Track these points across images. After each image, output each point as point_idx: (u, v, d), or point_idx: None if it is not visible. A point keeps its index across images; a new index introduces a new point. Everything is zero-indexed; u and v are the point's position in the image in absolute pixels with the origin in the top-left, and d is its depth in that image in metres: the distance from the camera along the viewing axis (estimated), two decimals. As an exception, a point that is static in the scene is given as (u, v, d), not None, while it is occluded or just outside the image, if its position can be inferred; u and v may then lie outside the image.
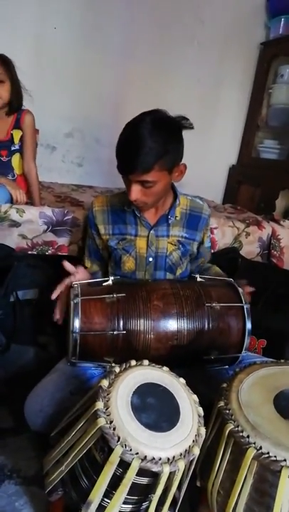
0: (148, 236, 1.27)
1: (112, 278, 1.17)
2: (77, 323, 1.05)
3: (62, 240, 1.63)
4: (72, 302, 1.07)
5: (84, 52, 2.50)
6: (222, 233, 1.83)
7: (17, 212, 1.52)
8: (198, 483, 0.93)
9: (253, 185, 2.79)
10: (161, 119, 1.11)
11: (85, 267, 1.38)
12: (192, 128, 1.14)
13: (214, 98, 2.88)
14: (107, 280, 1.17)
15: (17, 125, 1.71)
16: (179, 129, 1.14)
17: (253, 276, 1.74)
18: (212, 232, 1.77)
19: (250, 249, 1.92)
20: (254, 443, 0.79)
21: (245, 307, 1.13)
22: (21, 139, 1.73)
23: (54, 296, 1.19)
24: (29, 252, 1.59)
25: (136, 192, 1.14)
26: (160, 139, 1.08)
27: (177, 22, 2.65)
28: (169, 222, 1.28)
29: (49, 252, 1.63)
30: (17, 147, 1.73)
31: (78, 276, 1.21)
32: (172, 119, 1.14)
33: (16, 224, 1.53)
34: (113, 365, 1.09)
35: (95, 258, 1.39)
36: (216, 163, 2.91)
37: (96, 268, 1.40)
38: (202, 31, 2.72)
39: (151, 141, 1.07)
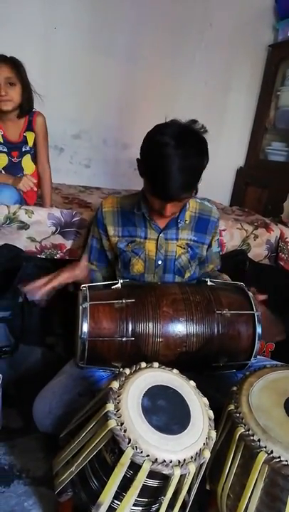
0: (157, 239, 1.27)
1: (121, 281, 1.16)
2: (85, 328, 1.04)
3: (71, 243, 1.63)
4: (81, 306, 1.06)
5: (91, 55, 2.51)
6: (230, 235, 1.83)
7: (26, 213, 1.53)
8: (207, 487, 0.93)
9: (260, 188, 2.79)
10: (189, 139, 1.08)
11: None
12: (206, 131, 1.13)
13: (222, 100, 2.88)
14: (116, 283, 1.16)
15: (30, 127, 1.72)
16: (205, 144, 1.12)
17: (261, 279, 1.75)
18: (220, 235, 1.76)
19: (258, 252, 1.92)
20: (265, 447, 0.79)
21: (256, 314, 1.11)
22: (34, 141, 1.74)
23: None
24: (38, 256, 1.60)
25: (171, 210, 1.15)
26: (194, 167, 1.08)
27: (185, 24, 2.65)
28: (179, 225, 1.27)
29: (58, 256, 1.63)
30: (28, 148, 1.74)
31: (78, 272, 1.22)
32: (197, 134, 1.11)
33: (24, 226, 1.54)
34: (121, 370, 1.09)
35: (95, 260, 1.38)
36: (224, 165, 2.90)
37: (93, 267, 1.39)
38: (210, 34, 2.72)
39: (187, 173, 1.07)
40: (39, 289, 1.18)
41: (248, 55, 2.84)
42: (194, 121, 1.13)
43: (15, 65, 1.59)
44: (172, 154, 1.04)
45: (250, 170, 2.95)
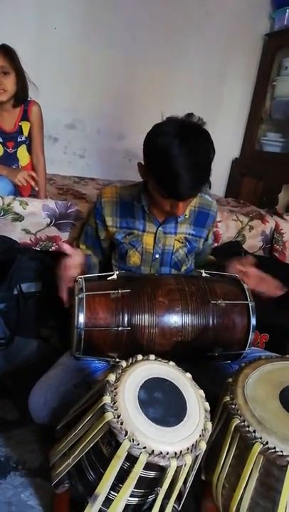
0: (156, 233, 1.27)
1: (116, 273, 1.17)
2: (81, 319, 1.04)
3: (66, 236, 1.62)
4: (76, 297, 1.06)
5: (86, 43, 2.47)
6: (226, 227, 1.83)
7: (20, 204, 1.51)
8: (203, 477, 0.94)
9: (255, 179, 2.78)
10: (192, 135, 1.05)
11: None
12: (204, 123, 1.10)
13: (218, 90, 2.86)
14: (112, 274, 1.16)
15: (25, 117, 1.69)
16: (208, 136, 1.09)
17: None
18: (216, 226, 1.76)
19: (253, 243, 1.92)
20: (260, 438, 0.80)
21: (250, 305, 1.12)
22: (30, 131, 1.71)
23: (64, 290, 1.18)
24: (32, 248, 1.58)
25: (183, 208, 1.14)
26: (202, 162, 1.06)
27: (181, 13, 2.62)
28: (178, 220, 1.27)
29: (52, 248, 1.62)
30: (23, 139, 1.71)
31: (76, 257, 1.20)
32: (198, 128, 1.08)
33: (19, 218, 1.52)
34: (117, 360, 1.09)
35: (91, 245, 1.38)
36: (219, 156, 2.81)
37: (89, 252, 1.39)
38: (206, 23, 2.69)
39: (197, 170, 1.05)
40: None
41: (244, 44, 2.81)
42: (191, 115, 1.10)
43: (8, 53, 1.55)
44: (178, 154, 1.01)
45: (246, 161, 2.94)
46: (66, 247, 1.19)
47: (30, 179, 1.57)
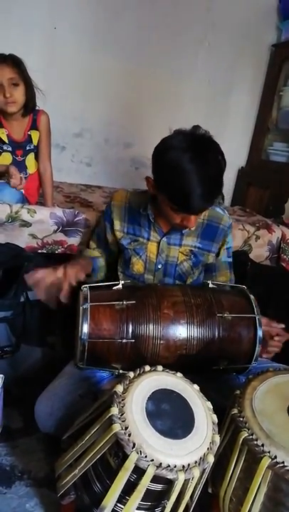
0: (159, 243, 1.26)
1: (122, 282, 1.16)
2: (85, 329, 1.04)
3: (72, 240, 1.62)
4: (81, 307, 1.06)
5: (94, 53, 2.49)
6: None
7: (28, 212, 1.52)
8: (209, 490, 0.93)
9: (262, 188, 2.78)
10: (202, 148, 1.04)
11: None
12: (211, 136, 1.10)
13: (224, 100, 2.87)
14: (117, 284, 1.15)
15: (34, 126, 1.71)
16: (218, 147, 1.08)
17: (262, 280, 1.75)
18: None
19: (259, 253, 1.92)
20: (269, 452, 0.79)
21: (257, 318, 1.11)
22: (38, 140, 1.73)
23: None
24: (39, 251, 1.59)
25: (195, 221, 1.14)
26: (214, 174, 1.05)
27: (188, 24, 2.64)
28: (183, 231, 1.25)
29: (59, 250, 1.62)
30: (32, 147, 1.73)
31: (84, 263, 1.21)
32: (208, 140, 1.08)
33: (26, 224, 1.53)
34: (121, 371, 1.09)
35: (100, 247, 1.40)
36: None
37: (97, 253, 1.40)
38: (213, 33, 2.71)
39: (209, 183, 1.04)
40: (44, 287, 1.13)
41: (251, 54, 2.83)
42: (197, 127, 1.09)
43: (16, 64, 1.56)
44: (190, 168, 1.01)
45: (252, 170, 2.95)
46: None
47: (20, 185, 1.55)
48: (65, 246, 1.63)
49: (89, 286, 1.13)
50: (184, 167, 1.01)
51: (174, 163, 1.03)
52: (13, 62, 1.56)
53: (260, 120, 2.91)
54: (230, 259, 1.39)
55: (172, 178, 1.05)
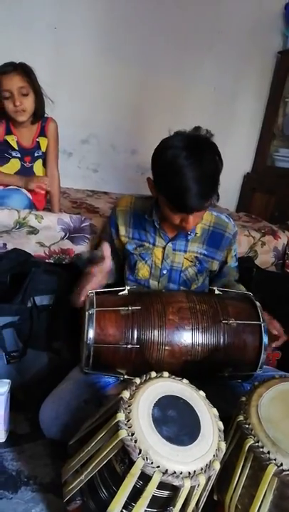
0: (164, 248, 1.27)
1: (128, 288, 1.17)
2: (91, 334, 1.05)
3: (79, 248, 1.64)
4: (87, 312, 1.07)
5: (101, 60, 2.52)
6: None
7: (36, 218, 1.54)
8: (215, 497, 0.93)
9: (267, 194, 2.78)
10: (199, 146, 1.06)
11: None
12: (212, 135, 1.12)
13: (230, 106, 2.88)
14: (123, 290, 1.16)
15: (42, 133, 1.73)
16: (215, 147, 1.10)
17: (268, 286, 1.74)
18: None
19: (265, 259, 1.92)
20: (275, 459, 0.79)
21: (262, 325, 1.11)
22: (46, 147, 1.75)
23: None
24: (46, 261, 1.61)
25: (194, 222, 1.14)
26: (210, 173, 1.06)
27: (194, 30, 2.66)
28: (188, 237, 1.26)
29: (66, 261, 1.64)
30: (40, 154, 1.75)
31: (108, 262, 1.21)
32: (205, 139, 1.10)
33: (34, 231, 1.55)
34: (126, 377, 1.09)
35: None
36: (231, 171, 2.87)
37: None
38: (219, 40, 2.73)
39: (205, 181, 1.05)
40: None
41: (257, 61, 2.85)
42: (198, 128, 1.12)
43: (26, 74, 1.58)
44: (185, 165, 1.03)
45: (258, 176, 2.95)
46: (106, 248, 1.20)
47: (43, 186, 1.61)
48: (72, 256, 1.64)
49: (95, 292, 1.14)
50: (179, 165, 1.03)
51: (170, 161, 1.05)
52: (24, 71, 1.58)
53: (265, 126, 2.93)
54: (237, 263, 1.42)
55: (168, 177, 1.07)
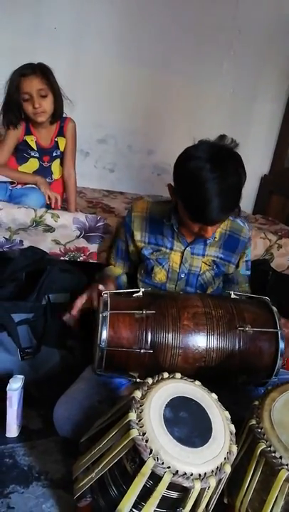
0: (183, 252, 1.27)
1: (142, 290, 1.15)
2: (104, 337, 1.04)
3: (94, 247, 1.65)
4: (101, 315, 1.06)
5: (119, 61, 2.53)
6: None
7: (52, 217, 1.55)
8: (225, 500, 0.92)
9: (284, 196, 2.75)
10: (224, 159, 1.04)
11: (109, 264, 1.43)
12: (237, 145, 1.10)
13: (248, 108, 2.86)
14: (138, 291, 1.15)
15: (61, 133, 1.75)
16: (240, 160, 1.08)
17: (283, 290, 1.73)
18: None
19: (281, 262, 1.90)
20: (287, 465, 0.78)
21: (279, 333, 1.08)
22: (64, 146, 1.77)
23: (74, 312, 1.20)
24: (61, 258, 1.62)
25: (212, 231, 1.15)
26: (233, 187, 1.06)
27: (213, 32, 2.65)
28: (207, 242, 1.26)
29: (80, 258, 1.65)
30: (58, 153, 1.77)
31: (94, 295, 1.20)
32: (231, 152, 1.08)
33: (50, 229, 1.56)
34: (138, 380, 1.09)
35: (121, 259, 1.41)
36: (248, 173, 2.83)
37: (119, 271, 1.41)
38: (238, 42, 2.71)
39: (228, 195, 1.05)
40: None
41: (276, 63, 2.81)
42: (223, 137, 1.10)
43: (45, 75, 1.59)
44: (210, 179, 1.01)
45: (275, 178, 2.92)
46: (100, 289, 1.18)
47: (54, 201, 1.65)
48: (87, 254, 1.66)
49: (109, 293, 1.13)
50: (202, 177, 1.02)
51: (193, 172, 1.04)
52: (42, 73, 1.59)
53: (283, 128, 2.89)
54: (249, 272, 1.39)
55: (190, 188, 1.06)
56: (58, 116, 1.70)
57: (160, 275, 1.29)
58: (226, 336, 1.07)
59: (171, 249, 1.28)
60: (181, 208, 1.12)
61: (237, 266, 1.34)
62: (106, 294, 1.12)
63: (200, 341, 1.06)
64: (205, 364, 1.06)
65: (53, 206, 1.65)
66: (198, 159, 1.04)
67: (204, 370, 1.07)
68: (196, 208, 1.07)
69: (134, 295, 1.15)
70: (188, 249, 1.26)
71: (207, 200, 1.03)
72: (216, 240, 1.27)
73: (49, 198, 1.65)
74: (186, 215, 1.11)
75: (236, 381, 1.10)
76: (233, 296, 1.18)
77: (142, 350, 1.04)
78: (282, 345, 1.07)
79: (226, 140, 1.10)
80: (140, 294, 1.14)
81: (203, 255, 1.27)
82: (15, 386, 1.17)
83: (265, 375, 1.11)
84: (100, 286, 1.17)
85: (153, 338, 1.05)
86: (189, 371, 1.05)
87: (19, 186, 1.69)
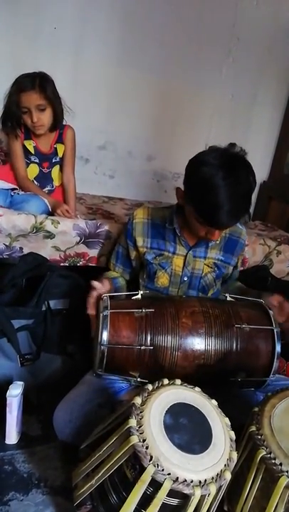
0: (186, 256, 1.28)
1: (141, 292, 1.18)
2: (105, 336, 1.06)
3: (94, 252, 1.66)
4: (101, 314, 1.08)
5: (119, 67, 2.55)
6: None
7: (52, 223, 1.56)
8: (225, 507, 0.92)
9: (283, 203, 2.76)
10: (235, 167, 1.08)
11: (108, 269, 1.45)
12: (246, 153, 1.13)
13: (247, 114, 2.87)
14: (137, 294, 1.18)
15: (60, 140, 1.76)
16: (250, 167, 1.11)
17: (283, 296, 1.73)
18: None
19: (280, 268, 1.91)
20: (287, 471, 0.78)
21: (275, 330, 1.11)
22: (63, 153, 1.78)
23: (90, 311, 1.20)
24: (61, 264, 1.63)
25: (219, 235, 1.19)
26: (244, 193, 1.09)
27: (213, 38, 2.67)
28: (209, 244, 1.29)
29: (80, 263, 1.66)
30: (57, 159, 1.78)
31: (103, 289, 1.22)
32: (242, 160, 1.11)
33: (50, 235, 1.57)
34: (138, 379, 1.10)
35: (121, 264, 1.42)
36: None
37: (116, 274, 1.43)
38: (237, 48, 2.73)
39: (239, 201, 1.08)
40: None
41: (275, 69, 2.83)
42: (233, 145, 1.13)
43: (43, 90, 1.58)
44: (221, 185, 1.04)
45: (274, 184, 2.93)
46: (95, 284, 1.21)
47: (66, 213, 1.65)
48: (87, 258, 1.67)
49: (109, 296, 1.16)
50: (215, 183, 1.05)
51: (206, 178, 1.06)
52: (41, 87, 1.58)
53: (282, 134, 2.91)
54: (240, 268, 1.48)
55: (203, 193, 1.08)
56: (56, 125, 1.71)
57: (163, 279, 1.30)
58: (223, 333, 1.10)
59: (174, 253, 1.29)
60: (191, 211, 1.15)
61: (236, 266, 1.39)
62: (106, 296, 1.15)
63: (198, 339, 1.09)
64: (204, 362, 1.09)
65: (67, 216, 1.65)
66: (210, 166, 1.07)
67: (204, 367, 1.09)
68: (207, 212, 1.10)
69: (133, 297, 1.18)
70: (190, 252, 1.28)
71: (219, 205, 1.06)
72: (217, 242, 1.30)
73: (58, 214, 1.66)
74: (195, 218, 1.14)
75: (235, 379, 1.12)
76: (229, 298, 1.21)
77: (142, 347, 1.06)
78: (278, 342, 1.10)
79: (236, 148, 1.13)
80: (139, 296, 1.18)
81: (205, 257, 1.30)
82: (14, 392, 1.17)
83: (263, 374, 1.13)
84: (95, 283, 1.19)
85: (153, 336, 1.08)
86: (189, 369, 1.08)
87: (21, 192, 1.69)
